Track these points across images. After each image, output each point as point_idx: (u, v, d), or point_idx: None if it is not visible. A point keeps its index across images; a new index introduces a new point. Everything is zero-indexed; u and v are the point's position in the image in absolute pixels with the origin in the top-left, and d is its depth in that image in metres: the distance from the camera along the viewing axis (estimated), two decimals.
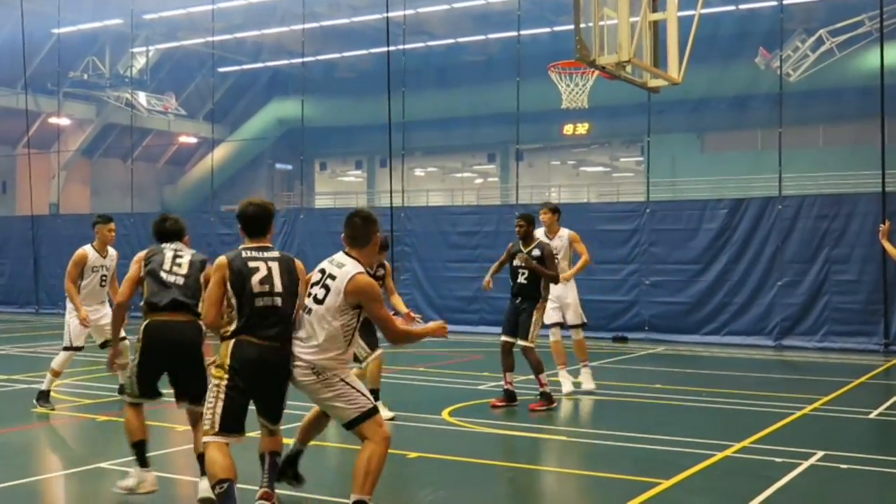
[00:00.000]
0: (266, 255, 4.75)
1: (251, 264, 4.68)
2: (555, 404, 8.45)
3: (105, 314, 8.52)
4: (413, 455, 6.41)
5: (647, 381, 10.15)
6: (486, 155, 32.37)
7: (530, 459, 6.51)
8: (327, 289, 4.63)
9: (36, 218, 22.99)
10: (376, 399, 6.99)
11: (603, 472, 6.04)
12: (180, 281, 5.32)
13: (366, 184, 34.08)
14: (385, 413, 7.51)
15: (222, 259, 4.71)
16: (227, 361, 4.58)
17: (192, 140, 34.54)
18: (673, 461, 6.28)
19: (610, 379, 10.22)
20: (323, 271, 4.73)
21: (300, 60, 22.57)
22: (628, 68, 7.81)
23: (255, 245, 4.79)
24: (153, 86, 30.96)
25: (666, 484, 5.65)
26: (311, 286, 4.73)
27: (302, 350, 4.62)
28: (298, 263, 4.86)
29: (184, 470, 6.15)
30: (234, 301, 4.61)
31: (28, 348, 13.40)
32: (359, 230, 4.81)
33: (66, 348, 8.45)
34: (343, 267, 4.67)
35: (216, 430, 4.57)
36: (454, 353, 12.73)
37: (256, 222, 4.82)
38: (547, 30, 24.82)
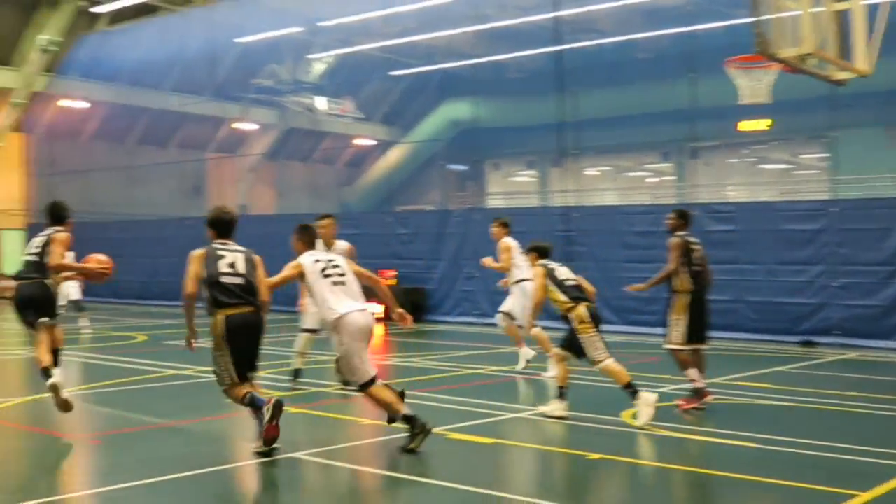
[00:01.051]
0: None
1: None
2: (706, 400, 8.37)
3: None
4: (594, 456, 6.46)
5: (841, 389, 9.73)
6: (659, 153, 31.63)
7: (720, 466, 6.37)
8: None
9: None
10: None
11: (797, 481, 5.86)
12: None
13: (538, 184, 34.11)
14: (556, 408, 7.98)
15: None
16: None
17: (369, 142, 35.82)
18: (871, 472, 6.04)
19: (800, 385, 9.88)
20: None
21: (471, 62, 22.91)
22: (812, 61, 7.49)
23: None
24: (331, 90, 32.39)
25: (865, 496, 5.46)
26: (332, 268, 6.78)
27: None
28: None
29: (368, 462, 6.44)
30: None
31: None
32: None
33: (303, 330, 9.81)
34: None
35: None
36: (632, 354, 12.57)
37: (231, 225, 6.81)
38: (721, 24, 24.00)
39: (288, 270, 6.92)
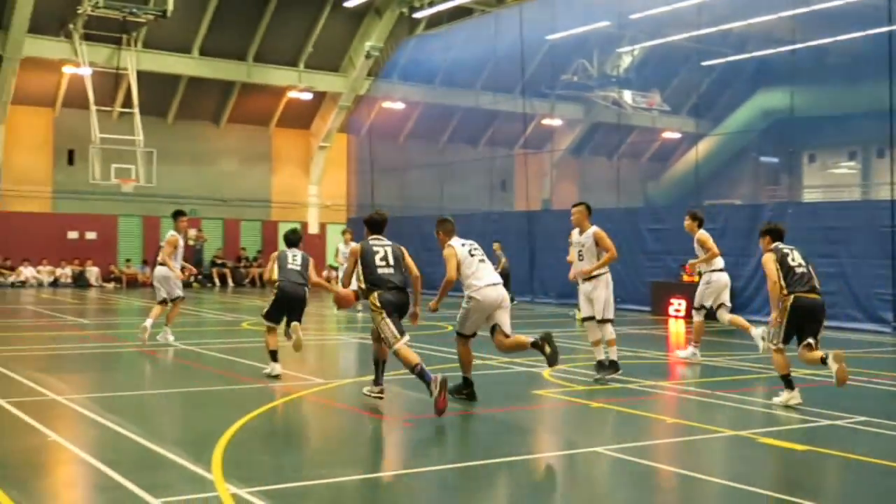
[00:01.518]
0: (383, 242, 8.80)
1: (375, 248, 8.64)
2: None
3: (594, 286, 10.27)
4: None
5: None
6: None
7: None
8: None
9: (531, 213, 25.32)
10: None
11: None
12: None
13: (859, 175, 31.18)
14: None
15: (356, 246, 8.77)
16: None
17: (676, 135, 34.88)
18: None
19: None
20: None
21: (789, 48, 21.45)
22: None
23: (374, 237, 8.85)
24: (638, 83, 31.94)
25: None
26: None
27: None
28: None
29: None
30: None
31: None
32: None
33: (597, 320, 10.20)
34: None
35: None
36: None
37: (383, 224, 9.13)
38: None
39: (450, 259, 8.86)
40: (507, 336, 8.54)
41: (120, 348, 12.91)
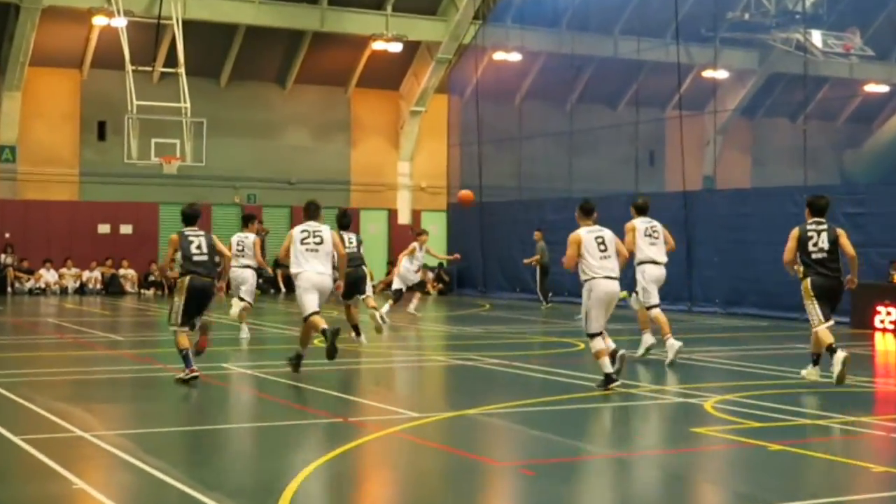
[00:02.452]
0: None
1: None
2: None
3: None
4: None
5: None
6: None
7: None
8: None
9: (688, 195, 24.88)
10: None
11: None
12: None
13: None
14: None
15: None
16: None
17: (882, 89, 33.70)
18: None
19: None
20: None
21: None
22: None
23: None
24: (830, 21, 31.00)
25: None
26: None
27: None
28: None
29: None
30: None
31: (713, 355, 14.64)
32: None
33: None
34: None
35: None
36: None
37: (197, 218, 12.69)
38: None
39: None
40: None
41: (161, 373, 13.30)
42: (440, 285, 31.75)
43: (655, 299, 14.15)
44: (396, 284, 21.34)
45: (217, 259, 12.46)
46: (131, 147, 28.29)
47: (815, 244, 11.71)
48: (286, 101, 34.11)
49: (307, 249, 13.16)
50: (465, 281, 31.69)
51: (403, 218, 35.29)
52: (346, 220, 17.42)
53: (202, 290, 12.04)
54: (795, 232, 11.93)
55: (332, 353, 12.38)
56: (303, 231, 13.41)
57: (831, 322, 11.65)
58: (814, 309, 11.61)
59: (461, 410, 10.10)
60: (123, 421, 9.85)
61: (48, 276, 30.53)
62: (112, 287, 30.95)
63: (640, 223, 14.39)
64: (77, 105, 31.69)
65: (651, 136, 31.03)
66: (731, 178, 30.22)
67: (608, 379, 11.31)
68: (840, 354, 11.26)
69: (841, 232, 11.86)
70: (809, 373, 11.89)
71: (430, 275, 31.86)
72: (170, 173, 29.14)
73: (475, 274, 31.08)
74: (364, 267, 16.61)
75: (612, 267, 11.60)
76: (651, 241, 14.27)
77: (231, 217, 32.50)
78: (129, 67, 28.73)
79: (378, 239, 34.93)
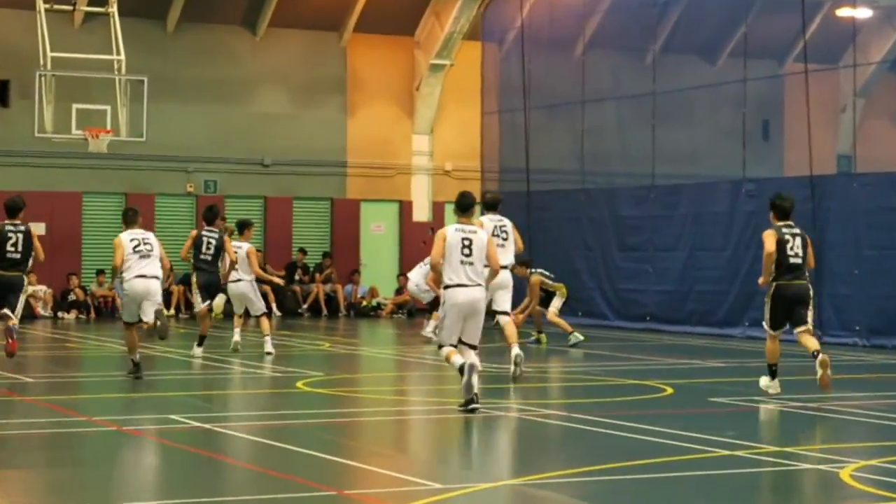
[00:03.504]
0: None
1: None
2: None
3: None
4: None
5: None
6: None
7: None
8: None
9: (817, 181, 24.76)
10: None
11: None
12: None
13: None
14: None
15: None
16: None
17: None
18: None
19: None
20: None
21: None
22: None
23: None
24: None
25: None
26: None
27: None
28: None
29: None
30: None
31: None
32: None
33: None
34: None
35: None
36: None
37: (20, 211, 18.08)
38: None
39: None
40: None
41: (87, 427, 13.37)
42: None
43: (501, 306, 17.53)
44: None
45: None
46: (44, 116, 28.26)
47: (792, 248, 15.03)
48: (257, 51, 34.25)
49: (140, 256, 17.31)
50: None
51: (420, 213, 35.32)
52: (210, 215, 20.90)
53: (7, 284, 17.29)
54: (772, 232, 15.18)
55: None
56: (132, 239, 17.55)
57: (779, 333, 15.35)
58: (769, 315, 15.40)
59: (500, 480, 10.11)
60: (36, 496, 9.87)
61: None
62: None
63: (487, 221, 17.32)
64: None
65: (764, 100, 30.87)
66: (876, 157, 30.00)
67: (461, 370, 13.61)
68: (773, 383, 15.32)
69: (808, 239, 15.33)
70: (767, 385, 15.32)
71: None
72: (98, 152, 29.12)
73: (521, 290, 31.00)
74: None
75: (472, 274, 13.93)
76: (499, 243, 16.68)
77: (183, 211, 32.69)
78: (40, 5, 28.72)
79: (385, 242, 35.01)
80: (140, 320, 17.12)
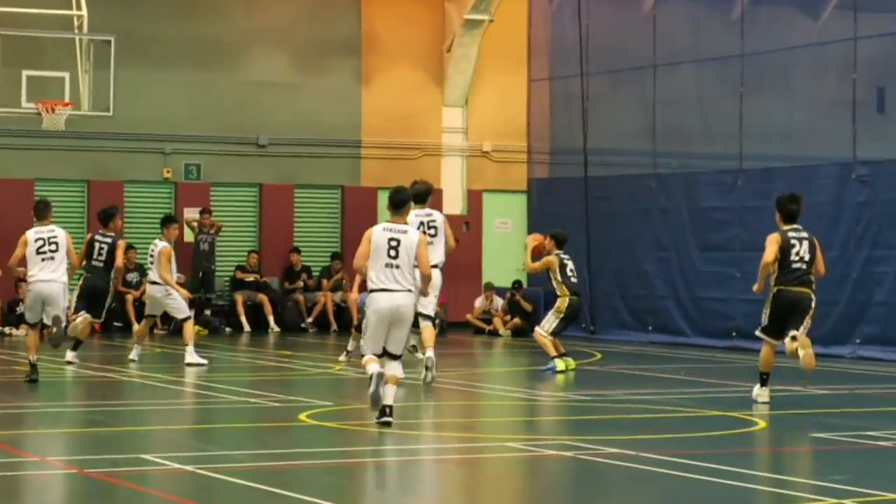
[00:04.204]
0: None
1: None
2: None
3: None
4: None
5: None
6: None
7: None
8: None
9: None
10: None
11: None
12: None
13: None
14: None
15: None
16: None
17: None
18: None
19: None
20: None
21: None
22: None
23: None
24: None
25: None
26: None
27: None
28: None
29: None
30: None
31: None
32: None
33: None
34: None
35: None
36: None
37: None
38: None
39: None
40: None
41: (32, 469, 13.46)
42: (515, 319, 31.75)
43: (426, 308, 19.60)
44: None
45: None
46: None
47: (798, 253, 17.40)
48: (251, 5, 34.39)
49: (42, 259, 20.30)
50: None
51: (452, 204, 35.27)
52: (105, 216, 23.70)
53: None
54: (777, 237, 17.59)
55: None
56: (37, 238, 20.77)
57: (779, 342, 17.73)
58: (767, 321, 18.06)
59: None
60: None
61: None
62: None
63: (413, 216, 18.66)
64: None
65: (879, 63, 30.74)
66: None
67: (370, 379, 15.25)
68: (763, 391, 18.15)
69: (818, 243, 17.48)
70: (757, 394, 18.18)
71: (499, 302, 31.95)
72: (54, 129, 29.23)
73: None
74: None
75: (399, 278, 15.58)
76: (427, 240, 17.43)
77: (159, 202, 32.79)
78: None
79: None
80: (42, 322, 20.33)
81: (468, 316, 32.81)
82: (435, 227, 19.91)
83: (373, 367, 15.37)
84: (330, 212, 35.09)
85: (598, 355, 26.41)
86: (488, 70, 35.21)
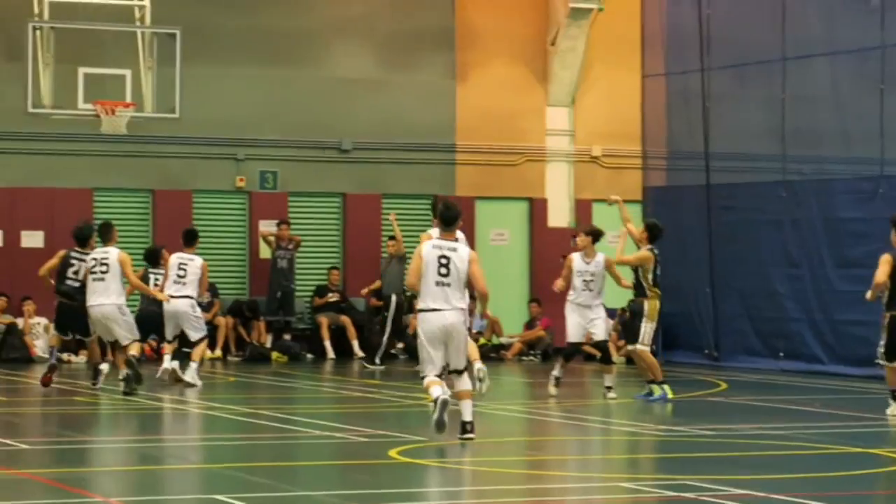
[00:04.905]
0: None
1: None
2: None
3: None
4: None
5: None
6: None
7: None
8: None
9: None
10: None
11: None
12: None
13: None
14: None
15: None
16: None
17: None
18: None
19: None
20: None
21: None
22: None
23: None
24: None
25: None
26: None
27: None
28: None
29: None
30: None
31: None
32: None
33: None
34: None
35: None
36: None
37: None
38: None
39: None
40: None
41: None
42: (627, 343, 31.65)
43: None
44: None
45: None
46: (40, 85, 28.55)
47: None
48: None
49: (94, 279, 23.33)
50: (678, 336, 31.66)
51: (558, 215, 35.35)
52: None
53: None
54: (889, 258, 19.75)
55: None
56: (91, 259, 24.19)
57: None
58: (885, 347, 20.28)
59: None
60: None
61: None
62: (8, 349, 31.47)
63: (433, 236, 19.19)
64: None
65: None
66: None
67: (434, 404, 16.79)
68: None
69: None
70: (893, 412, 20.08)
71: (609, 324, 31.88)
72: (114, 133, 29.39)
73: (697, 323, 31.00)
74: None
75: (449, 296, 17.06)
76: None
77: (231, 213, 32.99)
78: None
79: (510, 256, 35.04)
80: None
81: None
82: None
83: (436, 390, 16.79)
84: (421, 223, 35.07)
85: (723, 385, 26.35)
86: (597, 65, 35.24)
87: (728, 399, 24.13)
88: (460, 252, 17.16)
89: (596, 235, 23.94)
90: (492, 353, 33.10)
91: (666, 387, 22.79)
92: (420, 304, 17.20)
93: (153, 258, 25.97)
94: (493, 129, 35.00)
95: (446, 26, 35.00)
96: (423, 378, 17.19)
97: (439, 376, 16.98)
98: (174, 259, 25.07)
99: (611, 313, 31.46)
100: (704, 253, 30.39)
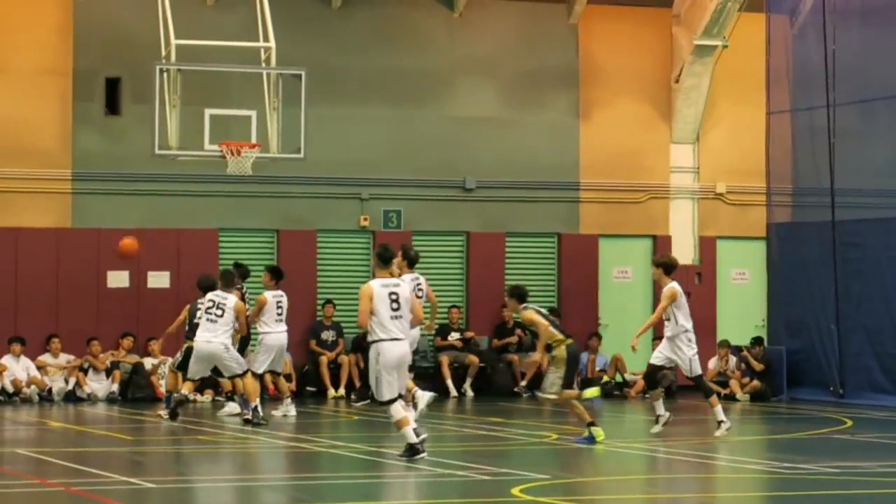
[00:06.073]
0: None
1: None
2: None
3: None
4: None
5: None
6: None
7: None
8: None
9: None
10: None
11: None
12: None
13: None
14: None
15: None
16: None
17: None
18: None
19: None
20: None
21: None
22: None
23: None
24: None
25: None
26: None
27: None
28: None
29: None
30: None
31: None
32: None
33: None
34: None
35: None
36: None
37: None
38: None
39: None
40: None
41: None
42: (754, 381, 31.54)
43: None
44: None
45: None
46: (167, 126, 28.72)
47: None
48: (456, 31, 34.77)
49: (207, 319, 24.90)
50: (803, 373, 31.52)
51: (683, 252, 35.13)
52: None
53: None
54: None
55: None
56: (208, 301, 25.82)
57: None
58: None
59: None
60: None
61: (16, 367, 31.31)
62: (134, 389, 31.82)
63: (410, 279, 23.35)
64: (66, 46, 32.70)
65: None
66: None
67: (413, 449, 19.15)
68: None
69: None
70: None
71: (732, 360, 31.84)
72: (240, 173, 29.59)
73: (822, 360, 30.86)
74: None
75: (403, 328, 19.53)
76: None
77: (355, 253, 33.19)
78: None
79: (633, 294, 34.97)
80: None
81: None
82: (421, 290, 24.25)
83: (412, 434, 19.39)
84: (545, 262, 35.20)
85: (849, 422, 26.20)
86: (722, 102, 35.21)
87: (853, 437, 24.02)
88: (403, 287, 19.93)
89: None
90: (615, 391, 33.15)
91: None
92: (378, 335, 19.28)
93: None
94: (616, 167, 35.03)
95: (570, 65, 35.10)
96: (386, 403, 19.42)
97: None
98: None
99: (736, 352, 31.46)
100: (830, 289, 30.27)
